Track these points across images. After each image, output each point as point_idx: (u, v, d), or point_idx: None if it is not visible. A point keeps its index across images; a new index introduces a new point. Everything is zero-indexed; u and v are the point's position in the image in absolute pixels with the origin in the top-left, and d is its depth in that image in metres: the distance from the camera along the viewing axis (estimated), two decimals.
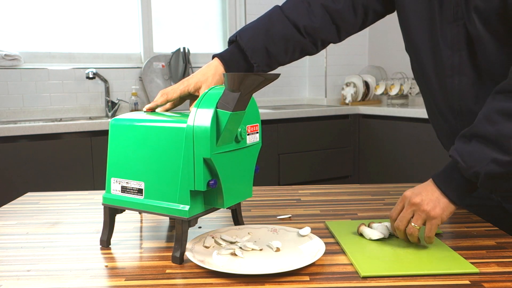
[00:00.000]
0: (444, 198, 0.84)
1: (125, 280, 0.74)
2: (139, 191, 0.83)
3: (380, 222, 0.93)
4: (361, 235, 0.90)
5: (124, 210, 0.88)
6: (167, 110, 0.97)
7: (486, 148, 0.80)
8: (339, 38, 1.10)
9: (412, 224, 0.84)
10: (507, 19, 0.83)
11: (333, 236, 0.92)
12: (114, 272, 0.77)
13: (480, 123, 0.82)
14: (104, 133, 2.46)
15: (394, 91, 3.34)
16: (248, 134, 0.84)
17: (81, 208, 1.16)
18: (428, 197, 0.84)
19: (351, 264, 0.78)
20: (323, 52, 3.59)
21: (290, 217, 1.06)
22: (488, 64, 0.89)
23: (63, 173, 2.39)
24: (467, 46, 0.91)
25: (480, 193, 1.07)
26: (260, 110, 3.02)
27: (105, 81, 3.01)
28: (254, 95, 0.77)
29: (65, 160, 2.39)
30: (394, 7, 1.06)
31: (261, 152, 2.80)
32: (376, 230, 0.89)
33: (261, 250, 0.84)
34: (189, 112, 0.81)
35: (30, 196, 1.29)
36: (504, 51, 0.86)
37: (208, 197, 0.83)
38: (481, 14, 0.85)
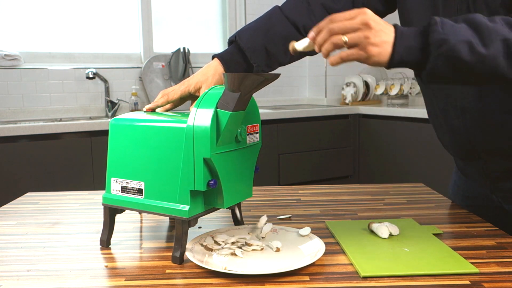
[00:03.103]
0: (389, 45, 0.76)
1: (125, 280, 0.74)
2: (139, 191, 0.84)
3: (380, 222, 0.93)
4: (371, 231, 0.91)
5: (124, 210, 0.88)
6: (167, 110, 0.97)
7: (471, 31, 0.74)
8: None
9: (344, 37, 0.75)
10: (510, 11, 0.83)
11: (333, 236, 0.92)
12: (114, 272, 0.77)
13: (479, 15, 0.76)
14: (104, 133, 2.46)
15: (394, 91, 3.34)
16: (248, 134, 0.84)
17: (81, 208, 1.16)
18: (382, 33, 0.76)
19: (351, 264, 0.78)
20: None
21: (290, 217, 1.06)
22: None
23: (63, 173, 2.39)
24: None
25: (481, 194, 1.08)
26: (260, 110, 3.02)
27: (105, 81, 3.01)
28: (254, 95, 0.77)
29: (65, 160, 2.39)
30: (395, 6, 1.06)
31: (261, 152, 2.80)
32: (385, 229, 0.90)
33: (262, 249, 0.84)
34: (189, 112, 0.81)
35: (30, 196, 1.29)
36: None
37: (208, 197, 0.83)
38: (489, 7, 0.85)
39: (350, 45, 0.76)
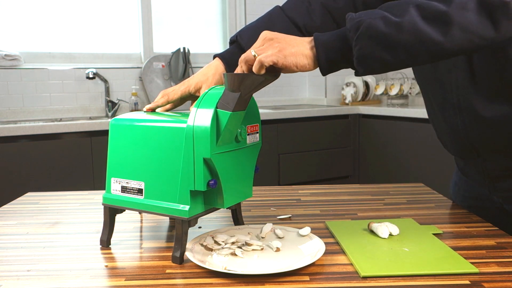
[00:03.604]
0: (305, 48, 0.78)
1: (125, 280, 0.74)
2: (139, 191, 0.84)
3: (380, 222, 0.93)
4: (371, 231, 0.91)
5: (124, 210, 0.88)
6: (167, 110, 0.97)
7: (382, 11, 0.76)
8: None
9: (252, 51, 0.78)
10: None
11: (333, 236, 0.92)
12: (114, 272, 0.77)
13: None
14: (104, 133, 2.46)
15: (394, 91, 3.34)
16: (248, 134, 0.84)
17: (81, 208, 1.16)
18: (288, 39, 0.79)
19: (351, 264, 0.78)
20: None
21: (290, 217, 1.06)
22: (483, 59, 0.89)
23: (63, 173, 2.39)
24: None
25: (481, 194, 1.08)
26: (260, 110, 3.02)
27: (105, 81, 3.01)
28: (254, 95, 0.77)
29: (65, 160, 2.39)
30: None
31: (261, 152, 2.80)
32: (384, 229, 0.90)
33: (262, 249, 0.84)
34: (189, 112, 0.81)
35: (30, 196, 1.29)
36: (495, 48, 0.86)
37: (208, 197, 0.83)
38: None
39: (259, 53, 0.78)
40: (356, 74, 0.80)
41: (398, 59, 0.76)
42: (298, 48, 0.78)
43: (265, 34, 0.81)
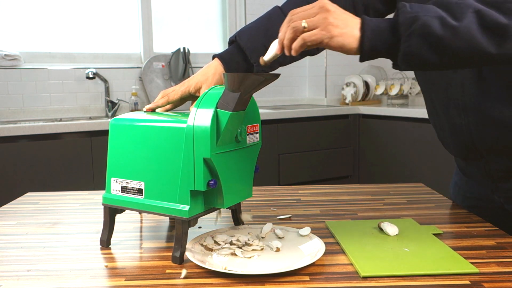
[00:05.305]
0: (356, 30, 0.74)
1: (125, 280, 0.74)
2: (139, 191, 0.84)
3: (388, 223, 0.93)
4: (380, 229, 0.92)
5: (124, 210, 0.88)
6: (167, 111, 0.97)
7: (440, 9, 0.73)
8: None
9: (303, 21, 0.74)
10: None
11: (333, 236, 0.92)
12: (114, 272, 0.77)
13: None
14: (104, 133, 2.46)
15: (394, 91, 3.34)
16: (248, 134, 0.84)
17: (81, 208, 1.16)
18: (343, 16, 0.75)
19: (351, 264, 0.78)
20: (323, 52, 3.59)
21: (290, 217, 1.06)
22: None
23: (63, 173, 2.39)
24: None
25: (482, 194, 1.08)
26: (260, 110, 3.02)
27: (105, 81, 3.01)
28: (254, 95, 0.77)
29: (65, 160, 2.39)
30: (395, 5, 1.06)
31: (261, 152, 2.80)
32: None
33: (262, 249, 0.84)
34: (189, 112, 0.81)
35: (30, 196, 1.29)
36: None
37: (208, 197, 0.83)
38: None
39: (310, 29, 0.74)
40: (395, 67, 0.77)
41: (444, 62, 0.74)
42: (349, 30, 0.74)
43: (324, 2, 0.75)
